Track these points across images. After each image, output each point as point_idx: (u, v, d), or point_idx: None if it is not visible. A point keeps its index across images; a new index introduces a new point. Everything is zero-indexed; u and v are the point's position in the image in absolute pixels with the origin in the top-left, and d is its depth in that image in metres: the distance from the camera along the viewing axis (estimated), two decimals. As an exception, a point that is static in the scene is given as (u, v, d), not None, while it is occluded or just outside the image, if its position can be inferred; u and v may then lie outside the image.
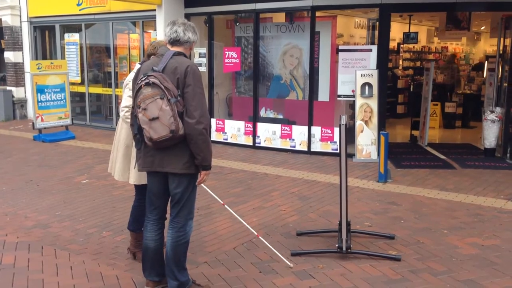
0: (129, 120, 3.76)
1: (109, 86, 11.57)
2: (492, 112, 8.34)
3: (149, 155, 3.41)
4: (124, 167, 4.13)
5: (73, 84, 11.71)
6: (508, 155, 8.16)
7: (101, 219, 5.38)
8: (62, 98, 10.33)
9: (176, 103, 3.21)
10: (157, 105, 3.18)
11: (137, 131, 3.38)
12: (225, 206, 4.48)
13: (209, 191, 4.55)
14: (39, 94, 9.97)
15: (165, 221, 3.65)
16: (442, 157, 8.35)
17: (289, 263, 4.16)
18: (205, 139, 3.28)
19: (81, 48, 11.86)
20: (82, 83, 11.96)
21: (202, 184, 4.02)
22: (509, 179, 6.77)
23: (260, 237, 4.41)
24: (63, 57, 12.11)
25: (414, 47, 15.61)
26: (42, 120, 10.05)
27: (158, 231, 3.59)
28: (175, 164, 3.34)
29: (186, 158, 3.33)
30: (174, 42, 3.44)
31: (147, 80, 3.22)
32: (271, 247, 4.33)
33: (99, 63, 12.14)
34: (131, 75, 4.04)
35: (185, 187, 3.42)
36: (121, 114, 4.10)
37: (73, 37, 11.98)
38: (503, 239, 4.73)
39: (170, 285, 3.53)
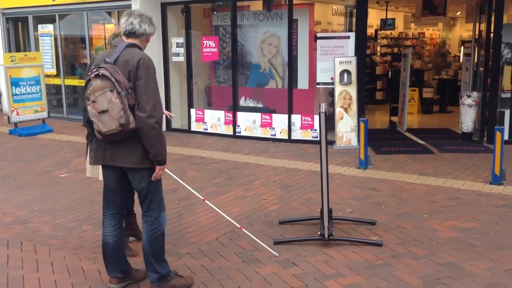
0: None
1: (86, 77, 11.36)
2: (468, 96, 8.46)
3: (100, 148, 3.34)
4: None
5: (48, 76, 11.49)
6: (485, 138, 8.30)
7: (81, 213, 5.31)
8: (38, 91, 10.13)
9: (127, 96, 3.13)
10: (106, 97, 3.10)
11: (87, 124, 3.30)
12: (206, 201, 4.41)
13: (188, 187, 4.48)
14: (13, 87, 9.75)
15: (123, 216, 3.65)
16: (421, 142, 8.46)
17: (274, 252, 4.16)
18: (157, 133, 3.20)
19: (55, 39, 11.63)
20: (57, 75, 11.74)
21: (181, 182, 3.98)
22: (486, 162, 6.89)
23: (243, 229, 4.39)
24: (37, 49, 11.86)
25: (391, 33, 15.71)
26: (17, 113, 9.85)
27: (116, 225, 3.53)
28: (128, 158, 3.27)
29: (139, 152, 3.25)
30: (130, 34, 3.36)
31: (97, 72, 3.14)
32: (254, 237, 4.34)
33: (75, 54, 11.92)
34: None
35: (149, 180, 3.35)
36: None
37: (47, 28, 11.73)
38: (481, 221, 4.82)
39: (151, 278, 3.50)
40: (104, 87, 3.11)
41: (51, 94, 11.93)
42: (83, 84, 10.63)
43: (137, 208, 4.00)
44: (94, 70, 3.17)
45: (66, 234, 4.74)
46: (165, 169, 3.51)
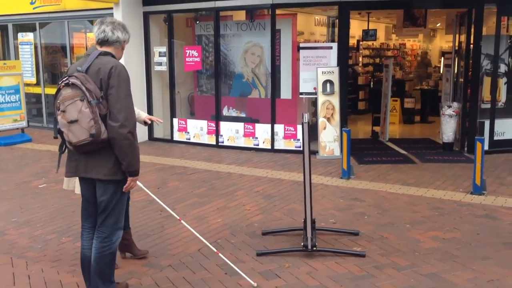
0: None
1: (67, 86, 11.21)
2: (449, 107, 8.56)
3: (73, 159, 3.26)
4: None
5: (28, 85, 11.31)
6: (465, 148, 8.39)
7: (60, 224, 5.20)
8: (17, 99, 9.96)
9: (98, 105, 3.05)
10: (76, 107, 3.02)
11: (58, 134, 3.21)
12: (182, 221, 4.22)
13: (164, 206, 4.30)
14: (-8, 96, 9.57)
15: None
16: (403, 152, 8.52)
17: (253, 283, 3.86)
18: (130, 144, 3.11)
19: (35, 47, 11.47)
20: (38, 84, 11.57)
21: (159, 201, 3.86)
22: (467, 172, 6.95)
23: (219, 254, 4.12)
24: (17, 58, 11.68)
25: (373, 44, 15.87)
26: (-5, 123, 9.66)
27: (94, 239, 3.42)
28: (99, 169, 3.17)
29: (111, 163, 3.16)
30: (103, 42, 3.30)
31: (67, 81, 3.07)
32: (225, 259, 4.27)
33: (55, 63, 11.76)
34: None
35: (111, 194, 3.23)
36: None
37: (27, 37, 11.57)
38: (463, 231, 4.84)
39: None
40: (74, 96, 3.04)
41: (30, 103, 11.75)
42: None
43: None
44: (65, 79, 3.10)
45: (44, 246, 4.63)
46: (138, 183, 3.41)
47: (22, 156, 8.61)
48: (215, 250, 4.15)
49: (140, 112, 4.31)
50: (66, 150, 3.29)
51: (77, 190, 3.91)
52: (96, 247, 3.30)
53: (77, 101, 3.03)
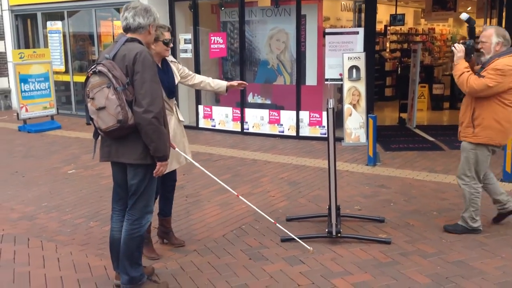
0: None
1: (94, 74, 11.38)
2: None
3: (105, 145, 3.33)
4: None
5: (57, 73, 11.51)
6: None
7: (89, 209, 5.31)
8: (47, 87, 10.16)
9: (125, 91, 3.09)
10: (103, 94, 3.07)
11: (90, 121, 3.28)
12: (240, 197, 4.35)
13: (221, 183, 4.44)
14: (22, 84, 9.78)
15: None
16: (431, 139, 8.37)
17: (309, 248, 4.08)
18: (155, 129, 3.12)
19: (64, 36, 11.64)
20: (66, 72, 11.77)
21: (213, 176, 3.86)
22: (497, 159, 6.75)
23: (277, 224, 4.30)
24: (46, 46, 11.89)
25: (401, 29, 15.57)
26: (26, 110, 9.89)
27: (124, 221, 3.48)
28: (129, 154, 3.23)
29: (141, 148, 3.20)
30: (126, 29, 3.31)
31: (94, 69, 3.12)
32: (288, 232, 4.29)
33: (83, 51, 11.94)
34: None
35: (141, 178, 3.29)
36: None
37: (55, 25, 11.75)
38: (491, 219, 4.74)
39: (122, 279, 3.40)
40: (101, 84, 3.09)
41: (60, 91, 11.97)
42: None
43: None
44: (93, 67, 3.16)
45: (73, 230, 4.74)
46: (193, 161, 3.54)
47: (52, 143, 8.80)
48: (273, 221, 4.29)
49: (218, 81, 4.39)
50: (100, 136, 3.36)
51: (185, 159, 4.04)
52: (126, 229, 3.36)
53: (104, 88, 3.08)
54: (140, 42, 3.29)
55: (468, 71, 4.18)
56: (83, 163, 7.31)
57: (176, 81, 4.12)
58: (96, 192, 5.90)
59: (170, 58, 4.09)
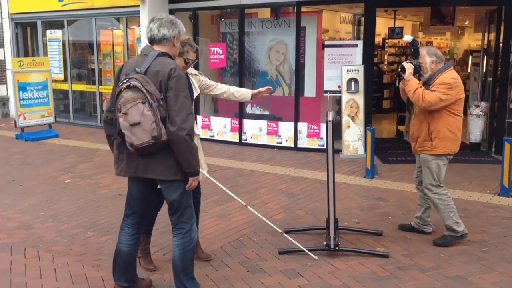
0: None
1: (93, 83, 11.41)
2: (477, 106, 8.39)
3: (132, 160, 3.26)
4: None
5: (56, 81, 11.52)
6: (493, 149, 8.22)
7: (86, 219, 5.29)
8: (45, 95, 10.16)
9: (159, 107, 3.06)
10: (138, 109, 3.02)
11: (119, 136, 3.23)
12: (248, 207, 4.42)
13: (229, 192, 4.52)
14: (21, 92, 9.78)
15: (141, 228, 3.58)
16: (428, 152, 8.37)
17: (314, 256, 4.18)
18: (188, 145, 3.11)
19: (63, 44, 11.67)
20: (65, 80, 11.78)
21: (224, 188, 3.85)
22: (494, 173, 6.80)
23: (284, 234, 4.40)
24: (45, 54, 11.91)
25: (399, 42, 15.65)
26: (24, 118, 9.87)
27: (133, 236, 3.47)
28: (161, 171, 3.20)
29: (172, 164, 3.18)
30: (152, 41, 3.29)
31: (128, 83, 3.06)
32: (295, 242, 4.36)
33: (83, 60, 11.96)
34: None
35: (181, 192, 3.28)
36: None
37: (55, 34, 11.78)
38: (489, 234, 4.75)
39: None
40: (135, 99, 3.03)
41: (58, 99, 11.96)
42: (91, 89, 10.61)
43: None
44: (125, 80, 3.08)
45: (70, 241, 4.71)
46: (206, 174, 3.46)
47: (49, 151, 8.78)
48: (280, 231, 4.38)
49: (241, 90, 4.37)
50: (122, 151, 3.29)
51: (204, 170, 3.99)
52: (178, 244, 3.33)
53: (139, 104, 3.03)
54: (170, 57, 3.27)
55: (421, 87, 4.41)
56: (81, 172, 7.29)
57: (195, 94, 4.07)
58: (93, 201, 5.88)
59: (190, 70, 4.05)
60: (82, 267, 4.14)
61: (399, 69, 4.55)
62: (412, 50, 4.63)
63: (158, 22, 3.27)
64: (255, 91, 4.39)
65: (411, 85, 4.42)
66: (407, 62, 4.53)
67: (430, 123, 4.43)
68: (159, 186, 3.36)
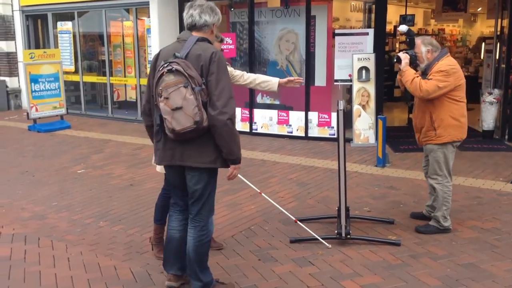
0: None
1: (104, 74, 11.45)
2: (490, 94, 8.29)
3: (168, 147, 3.18)
4: None
5: (67, 73, 11.57)
6: (506, 136, 8.13)
7: (98, 209, 5.33)
8: (56, 87, 10.22)
9: (200, 92, 3.00)
10: (180, 94, 2.95)
11: (159, 122, 3.14)
12: (262, 194, 4.46)
13: (244, 179, 4.57)
14: (32, 83, 9.85)
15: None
16: (440, 140, 8.30)
17: (328, 244, 4.22)
18: (230, 131, 3.05)
19: (74, 36, 11.71)
20: (76, 72, 11.83)
21: (241, 177, 3.83)
22: (508, 161, 6.74)
23: (297, 221, 4.45)
24: (56, 46, 11.96)
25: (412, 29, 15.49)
26: (36, 110, 9.96)
27: (183, 220, 3.42)
28: (198, 157, 3.12)
29: (210, 151, 3.12)
30: (192, 27, 3.22)
31: (169, 67, 2.97)
32: (309, 230, 4.38)
33: (93, 51, 12.01)
34: None
35: (206, 182, 3.22)
36: None
37: (66, 26, 11.82)
38: (502, 221, 4.71)
39: (193, 286, 3.38)
40: (177, 83, 2.96)
41: (69, 91, 12.04)
42: (101, 81, 10.65)
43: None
44: (166, 65, 3.00)
45: (83, 230, 4.76)
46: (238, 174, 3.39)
47: (61, 143, 8.85)
48: (294, 219, 4.44)
49: (267, 80, 4.27)
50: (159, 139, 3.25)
51: (159, 169, 3.90)
52: (194, 237, 3.29)
53: (181, 88, 2.96)
54: (209, 42, 3.23)
55: (418, 76, 4.36)
56: (93, 162, 7.34)
57: None
58: (105, 192, 5.93)
59: None
60: (95, 256, 4.18)
61: (395, 60, 4.50)
62: (407, 40, 4.57)
63: (199, 8, 3.20)
64: (284, 80, 4.29)
65: (407, 75, 4.38)
66: (403, 53, 4.48)
67: (432, 113, 4.37)
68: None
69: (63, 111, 10.39)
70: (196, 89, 2.99)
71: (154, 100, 3.15)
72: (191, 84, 2.98)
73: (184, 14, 3.27)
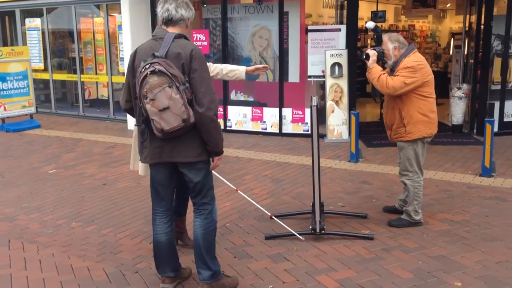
0: None
1: (74, 72, 11.25)
2: (459, 89, 8.47)
3: (155, 146, 3.20)
4: None
5: (36, 71, 11.34)
6: (475, 130, 8.32)
7: (70, 209, 5.25)
8: (25, 85, 9.99)
9: (185, 90, 3.03)
10: (166, 94, 2.96)
11: (145, 123, 3.14)
12: (239, 191, 4.50)
13: (221, 177, 4.56)
14: (0, 82, 9.61)
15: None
16: (412, 134, 8.44)
17: (302, 238, 4.27)
18: (216, 126, 3.14)
19: (43, 33, 11.46)
20: (45, 69, 11.59)
21: (216, 174, 3.87)
22: (476, 154, 6.91)
23: (273, 216, 4.52)
24: (24, 43, 11.69)
25: (382, 25, 15.67)
26: (5, 109, 9.72)
27: (167, 223, 3.44)
28: (187, 153, 3.18)
29: (197, 145, 3.18)
30: (168, 22, 3.22)
31: (152, 68, 2.98)
32: (285, 225, 4.41)
33: (63, 48, 11.77)
34: None
35: (204, 174, 3.30)
36: None
37: (34, 22, 11.55)
38: (472, 214, 4.82)
39: (202, 276, 3.39)
40: (162, 83, 2.97)
41: (39, 89, 11.79)
42: (72, 79, 10.40)
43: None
44: (148, 66, 3.00)
45: (55, 232, 4.68)
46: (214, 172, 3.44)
47: (31, 142, 8.67)
48: (269, 214, 4.53)
49: (234, 70, 4.25)
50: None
51: (142, 172, 3.88)
52: (201, 225, 3.36)
53: (166, 88, 2.97)
54: (186, 38, 3.22)
55: (384, 73, 4.42)
56: (64, 162, 7.22)
57: None
58: (77, 192, 5.83)
59: None
60: (68, 257, 4.12)
61: (364, 57, 4.54)
62: (375, 36, 4.62)
63: (174, 2, 3.21)
64: (251, 68, 4.32)
65: (374, 73, 4.43)
66: (371, 49, 4.51)
67: (401, 109, 4.42)
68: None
69: (32, 110, 10.17)
70: (181, 88, 3.01)
71: (138, 101, 3.13)
72: (175, 83, 3.00)
73: (159, 8, 3.25)
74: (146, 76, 3.00)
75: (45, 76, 11.65)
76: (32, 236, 4.57)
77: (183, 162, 3.22)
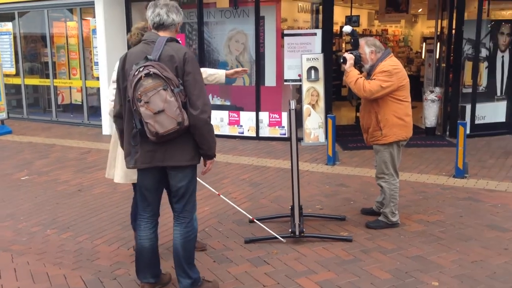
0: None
1: (47, 76, 11.05)
2: (431, 92, 8.63)
3: (146, 150, 3.14)
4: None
5: (7, 75, 11.09)
6: (447, 133, 8.50)
7: (45, 216, 5.14)
8: (-4, 91, 9.76)
9: (179, 93, 3.01)
10: (161, 97, 2.93)
11: (140, 126, 3.07)
12: (221, 196, 4.49)
13: (202, 182, 4.52)
14: (-30, 87, 9.37)
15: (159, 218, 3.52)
16: (387, 137, 8.56)
17: (283, 240, 4.28)
18: (210, 129, 3.14)
19: (14, 37, 11.23)
20: (17, 74, 11.35)
21: (199, 180, 3.83)
22: (449, 156, 7.04)
23: (255, 220, 4.53)
24: (-5, 48, 11.43)
25: (356, 30, 15.89)
26: (-25, 115, 9.48)
27: (153, 229, 3.40)
28: (180, 157, 3.15)
29: (190, 149, 3.16)
30: (159, 26, 3.20)
31: (146, 71, 2.94)
32: (266, 228, 4.44)
33: (35, 53, 11.55)
34: None
35: (190, 179, 3.26)
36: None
37: (5, 26, 11.32)
38: (446, 214, 4.92)
39: (183, 284, 3.36)
40: (156, 86, 2.94)
41: (10, 94, 11.53)
42: (44, 83, 10.21)
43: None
44: (141, 69, 2.97)
45: (29, 239, 4.58)
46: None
47: (3, 148, 8.47)
48: (251, 217, 4.55)
49: (214, 73, 4.28)
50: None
51: (122, 179, 3.80)
52: (181, 234, 3.32)
53: (161, 91, 2.94)
54: (178, 42, 3.21)
55: (361, 77, 4.49)
56: (37, 168, 7.07)
57: None
58: (52, 198, 5.72)
59: None
60: (43, 265, 4.03)
61: (341, 60, 4.59)
62: (352, 40, 4.65)
63: (165, 7, 3.19)
64: (230, 71, 4.34)
65: (351, 76, 4.48)
66: (348, 53, 4.56)
67: (377, 113, 4.48)
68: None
69: (3, 115, 9.93)
70: (175, 91, 3.00)
71: (131, 105, 3.08)
72: (170, 86, 2.98)
73: (149, 13, 3.23)
74: (140, 78, 2.97)
75: (16, 81, 11.41)
76: (6, 244, 4.46)
77: (174, 166, 3.19)
